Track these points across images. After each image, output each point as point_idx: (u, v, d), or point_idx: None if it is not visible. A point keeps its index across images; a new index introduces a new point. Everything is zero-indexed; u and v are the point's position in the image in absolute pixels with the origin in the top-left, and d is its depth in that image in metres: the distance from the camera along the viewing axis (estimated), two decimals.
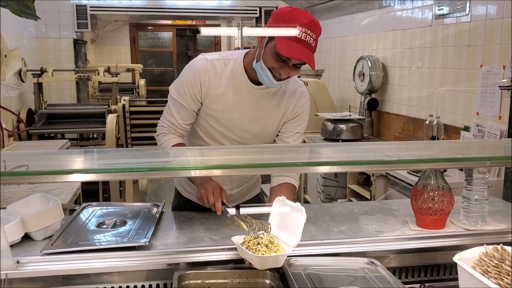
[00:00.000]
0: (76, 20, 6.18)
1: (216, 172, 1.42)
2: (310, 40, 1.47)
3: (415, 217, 1.66)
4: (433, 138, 3.08)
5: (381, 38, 4.28)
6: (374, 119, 4.34)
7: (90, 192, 3.91)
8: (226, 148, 1.70)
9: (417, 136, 3.65)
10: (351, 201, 3.54)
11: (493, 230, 1.61)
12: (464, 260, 1.18)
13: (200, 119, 1.72)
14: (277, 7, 6.10)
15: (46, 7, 5.99)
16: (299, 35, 1.46)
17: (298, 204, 1.37)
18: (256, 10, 6.45)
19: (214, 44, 9.56)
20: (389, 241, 1.53)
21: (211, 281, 1.36)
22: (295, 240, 1.33)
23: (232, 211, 1.47)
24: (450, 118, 3.27)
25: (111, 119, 4.25)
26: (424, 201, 1.59)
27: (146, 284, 1.39)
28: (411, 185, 1.68)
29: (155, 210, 1.75)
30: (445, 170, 2.75)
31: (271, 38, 1.52)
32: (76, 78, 5.43)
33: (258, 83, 1.64)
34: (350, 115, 4.14)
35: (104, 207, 1.78)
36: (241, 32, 7.34)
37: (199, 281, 1.35)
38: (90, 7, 6.21)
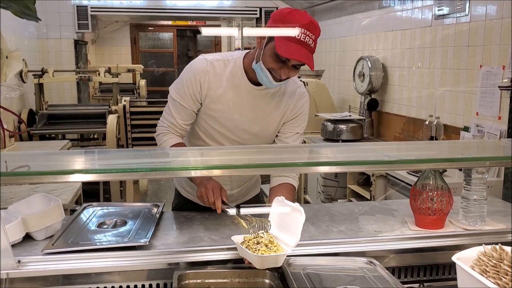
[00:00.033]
0: (77, 20, 6.19)
1: (216, 172, 1.43)
2: (309, 41, 1.48)
3: (414, 217, 1.66)
4: (432, 138, 3.09)
5: (381, 39, 4.28)
6: (374, 120, 4.34)
7: (91, 193, 3.92)
8: (226, 149, 1.71)
9: (417, 137, 3.66)
10: (351, 201, 3.54)
11: (492, 230, 1.61)
12: (463, 259, 1.18)
13: (200, 120, 1.73)
14: (277, 8, 6.12)
15: (47, 8, 6.00)
16: (298, 36, 1.47)
17: (297, 204, 1.37)
18: (256, 10, 6.45)
19: (215, 44, 9.57)
20: (388, 241, 1.54)
21: (211, 280, 1.37)
22: (294, 240, 1.34)
23: (232, 211, 1.48)
24: (450, 118, 3.27)
25: (111, 119, 4.26)
26: (423, 201, 1.60)
27: (146, 284, 1.40)
28: (411, 185, 1.69)
29: (155, 210, 1.76)
30: (445, 171, 2.75)
31: (270, 39, 1.53)
32: (77, 78, 5.44)
33: (257, 83, 1.65)
34: (350, 116, 4.15)
35: (105, 207, 1.79)
36: (242, 33, 7.35)
37: (199, 281, 1.36)
38: (91, 7, 6.22)
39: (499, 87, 2.73)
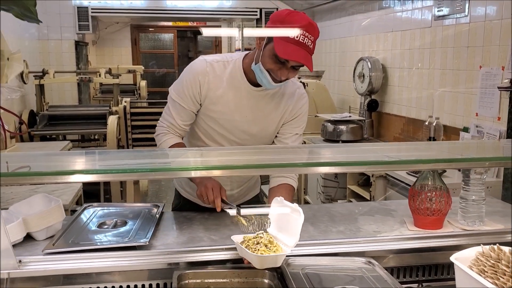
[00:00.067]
0: (78, 21, 6.20)
1: (216, 173, 1.44)
2: (308, 42, 1.49)
3: (413, 218, 1.67)
4: (431, 139, 3.10)
5: (381, 39, 4.29)
6: (374, 120, 4.35)
7: (91, 193, 3.93)
8: (225, 149, 1.72)
9: (417, 137, 3.66)
10: (351, 201, 3.55)
11: (490, 231, 1.62)
12: (461, 260, 1.19)
13: (200, 120, 1.74)
14: (277, 9, 6.13)
15: (48, 9, 6.02)
16: (297, 37, 1.48)
17: (295, 205, 1.38)
18: (256, 11, 6.46)
19: (215, 45, 9.58)
20: (387, 241, 1.55)
21: (210, 280, 1.37)
22: (293, 240, 1.34)
23: (232, 212, 1.49)
24: (449, 119, 3.28)
25: (112, 120, 4.28)
26: (421, 202, 1.61)
27: (146, 284, 1.41)
28: (410, 186, 1.70)
29: (155, 210, 1.77)
30: (444, 171, 2.75)
31: (269, 40, 1.54)
32: (77, 79, 5.46)
33: (257, 84, 1.65)
34: (350, 116, 4.16)
35: (105, 208, 1.80)
36: (242, 33, 7.36)
37: (198, 281, 1.37)
38: (91, 8, 6.23)
39: (498, 87, 2.74)
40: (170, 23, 9.25)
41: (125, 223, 1.63)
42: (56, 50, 6.18)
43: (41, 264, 1.36)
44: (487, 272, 1.16)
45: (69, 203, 2.33)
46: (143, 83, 6.74)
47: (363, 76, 4.28)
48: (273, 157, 1.58)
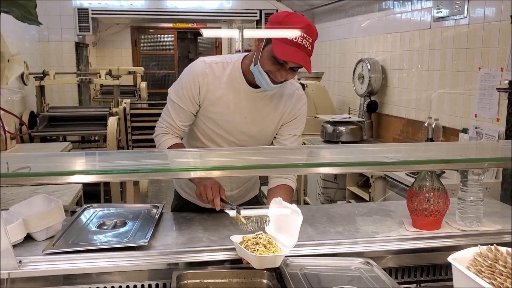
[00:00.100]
0: (78, 23, 6.22)
1: (216, 173, 1.45)
2: (306, 44, 1.50)
3: (411, 218, 1.68)
4: (429, 140, 3.10)
5: (381, 41, 4.30)
6: (374, 121, 4.36)
7: (92, 194, 3.94)
8: (225, 150, 1.73)
9: (416, 138, 3.67)
10: (350, 203, 3.56)
11: (488, 231, 1.62)
12: (459, 260, 1.20)
13: (199, 121, 1.75)
14: (277, 10, 6.14)
15: (48, 11, 6.03)
16: (295, 38, 1.49)
17: (294, 205, 1.39)
18: (256, 13, 6.48)
19: (215, 46, 9.60)
20: (385, 241, 1.55)
21: (209, 280, 1.38)
22: (292, 241, 1.35)
23: (232, 212, 1.50)
24: (448, 120, 3.29)
25: (112, 121, 4.29)
26: (420, 202, 1.61)
27: (146, 284, 1.41)
28: None
29: (154, 211, 1.77)
30: (443, 172, 2.77)
31: (268, 42, 1.55)
32: (77, 81, 5.47)
33: (256, 86, 1.66)
34: (349, 117, 4.17)
35: (105, 208, 1.81)
36: (242, 35, 7.37)
37: (197, 281, 1.37)
38: (92, 10, 6.25)
39: (497, 89, 2.74)
40: (170, 25, 9.27)
41: (124, 224, 1.64)
42: (57, 52, 6.20)
43: (41, 264, 1.37)
44: (484, 272, 1.16)
45: (69, 204, 2.34)
46: (143, 85, 6.75)
47: (363, 77, 4.29)
48: (272, 157, 1.59)
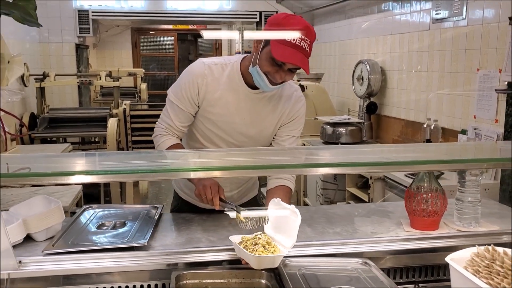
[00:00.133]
0: (78, 25, 6.23)
1: (215, 174, 1.46)
2: (304, 45, 1.51)
3: (409, 219, 1.68)
4: (426, 141, 3.11)
5: (380, 42, 4.31)
6: (373, 123, 4.36)
7: (92, 196, 3.95)
8: (224, 151, 1.73)
9: (415, 140, 3.68)
10: (349, 204, 3.56)
11: (485, 232, 1.63)
12: (456, 260, 1.20)
13: (198, 122, 1.76)
14: (277, 12, 6.15)
15: (49, 12, 6.05)
16: (293, 40, 1.50)
17: (292, 206, 1.40)
18: (256, 14, 6.49)
19: (215, 48, 9.62)
20: (383, 242, 1.56)
21: (208, 281, 1.39)
22: (290, 241, 1.36)
23: (232, 214, 1.50)
24: (447, 121, 3.29)
25: (112, 123, 4.30)
26: (417, 203, 1.62)
27: (145, 284, 1.42)
28: None
29: (154, 212, 1.78)
30: (442, 173, 2.77)
31: (266, 43, 1.56)
32: (78, 82, 5.49)
33: (254, 87, 1.67)
34: (349, 119, 4.17)
35: (104, 209, 1.82)
36: (242, 36, 7.39)
37: (196, 281, 1.38)
38: (92, 12, 6.26)
39: (496, 90, 2.75)
40: (170, 26, 9.29)
41: (124, 224, 1.65)
42: (57, 53, 6.21)
43: (41, 264, 1.38)
44: (481, 272, 1.17)
45: (69, 205, 2.35)
46: (143, 86, 6.77)
47: (362, 78, 4.30)
48: (272, 158, 1.59)
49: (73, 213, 2.26)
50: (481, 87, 2.92)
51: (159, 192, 5.81)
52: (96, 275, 1.39)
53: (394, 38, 4.06)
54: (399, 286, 1.40)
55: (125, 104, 4.43)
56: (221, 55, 8.97)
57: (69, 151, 3.94)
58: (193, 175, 1.45)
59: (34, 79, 5.14)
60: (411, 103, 3.82)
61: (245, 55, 1.73)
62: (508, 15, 2.64)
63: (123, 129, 4.42)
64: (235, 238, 1.42)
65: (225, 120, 1.71)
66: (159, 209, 1.80)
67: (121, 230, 1.60)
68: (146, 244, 1.46)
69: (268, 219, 1.45)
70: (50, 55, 6.18)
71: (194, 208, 1.85)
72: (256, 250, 1.37)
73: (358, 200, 3.54)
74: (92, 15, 6.27)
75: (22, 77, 4.98)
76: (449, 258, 1.21)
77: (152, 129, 1.83)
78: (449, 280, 1.22)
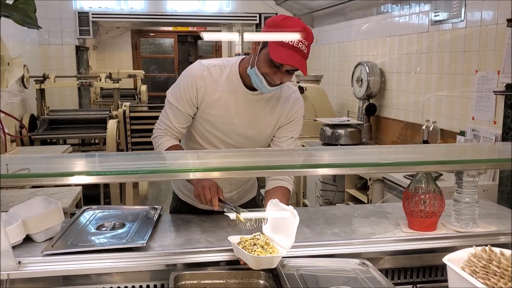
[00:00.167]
0: (78, 27, 6.25)
1: (214, 174, 1.47)
2: (302, 47, 1.52)
3: (407, 220, 1.69)
4: (424, 142, 3.12)
5: (379, 44, 4.32)
6: (373, 124, 4.37)
7: (91, 197, 3.95)
8: (223, 152, 1.74)
9: (414, 141, 3.68)
10: (348, 205, 3.56)
11: (483, 232, 1.64)
12: (454, 261, 1.21)
13: (197, 124, 1.77)
14: (276, 14, 6.17)
15: (49, 14, 6.06)
16: (291, 42, 1.51)
17: (291, 207, 1.40)
18: (255, 16, 6.51)
19: (215, 50, 9.63)
20: (381, 242, 1.56)
21: (207, 281, 1.39)
22: (289, 242, 1.37)
23: (232, 216, 1.51)
24: (446, 123, 3.30)
25: (111, 124, 4.31)
26: (415, 204, 1.63)
27: (144, 285, 1.43)
28: None
29: (153, 213, 1.79)
30: (441, 175, 2.78)
31: (264, 45, 1.57)
32: (78, 84, 5.50)
33: (253, 88, 1.68)
34: (348, 120, 4.18)
35: (103, 210, 1.82)
36: (242, 38, 7.40)
37: (195, 282, 1.39)
38: (92, 14, 6.28)
39: (494, 92, 2.76)
40: (170, 28, 9.31)
41: (123, 225, 1.65)
42: (57, 55, 6.22)
43: (40, 265, 1.39)
44: (478, 272, 1.18)
45: (69, 206, 2.35)
46: (143, 88, 6.78)
47: (361, 80, 4.31)
48: (271, 159, 1.60)
49: (72, 214, 2.26)
50: (479, 89, 2.93)
51: (159, 193, 5.81)
52: (95, 275, 1.40)
53: (393, 40, 4.07)
54: (397, 287, 1.41)
55: (124, 106, 4.44)
56: (221, 57, 8.98)
57: (69, 153, 3.94)
58: (192, 175, 1.46)
59: (34, 80, 5.15)
60: (410, 105, 3.83)
61: (244, 57, 1.74)
62: (506, 17, 2.65)
63: (122, 130, 4.43)
64: (234, 239, 1.43)
65: (223, 121, 1.72)
66: (158, 210, 1.80)
67: (120, 231, 1.61)
68: (145, 244, 1.47)
69: (267, 220, 1.45)
70: (50, 57, 6.20)
71: (193, 209, 1.86)
72: (255, 250, 1.37)
73: (357, 201, 3.54)
74: (92, 17, 6.29)
75: (22, 78, 4.99)
76: (447, 259, 1.22)
77: (151, 130, 1.83)
78: (446, 280, 1.23)
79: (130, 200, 4.21)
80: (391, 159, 1.60)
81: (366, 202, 3.30)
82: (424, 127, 3.16)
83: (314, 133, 4.30)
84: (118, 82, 5.41)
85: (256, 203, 2.04)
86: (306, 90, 4.55)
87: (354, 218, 1.80)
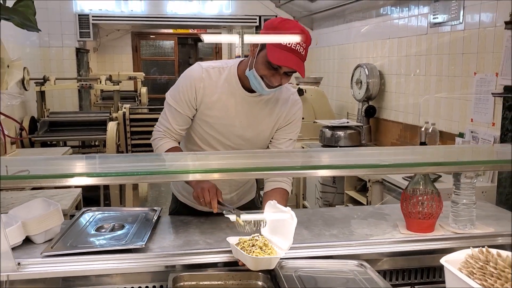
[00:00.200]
0: (79, 29, 6.26)
1: (214, 176, 1.47)
2: (300, 49, 1.53)
3: (405, 221, 1.69)
4: (422, 143, 3.12)
5: (378, 46, 4.33)
6: (372, 126, 4.38)
7: (91, 199, 3.96)
8: (222, 153, 1.75)
9: (413, 143, 3.69)
10: (347, 206, 3.57)
11: (480, 234, 1.64)
12: (451, 262, 1.22)
13: (196, 125, 1.78)
14: (276, 16, 6.18)
15: (49, 17, 6.07)
16: (289, 44, 1.52)
17: (288, 208, 1.41)
18: (255, 19, 6.52)
19: (215, 52, 9.65)
20: (378, 244, 1.57)
21: (206, 282, 1.40)
22: (287, 243, 1.37)
23: (232, 217, 1.51)
24: (445, 124, 3.31)
25: (111, 126, 4.32)
26: (413, 206, 1.63)
27: (143, 286, 1.43)
28: None
29: (152, 214, 1.79)
30: (440, 176, 2.79)
31: (262, 47, 1.58)
32: (78, 86, 5.51)
33: (251, 90, 1.69)
34: (348, 122, 4.19)
35: (103, 212, 1.83)
36: (242, 40, 7.42)
37: (193, 283, 1.39)
38: (92, 16, 6.29)
39: (492, 94, 2.77)
40: (170, 30, 9.33)
41: (122, 227, 1.66)
42: (57, 57, 6.24)
43: (39, 266, 1.39)
44: (475, 274, 1.18)
45: (69, 208, 2.36)
46: (143, 90, 6.79)
47: (361, 82, 4.32)
48: (270, 160, 1.61)
49: (72, 216, 2.27)
50: (478, 91, 2.94)
51: (159, 195, 5.82)
52: (94, 277, 1.41)
53: (392, 42, 4.08)
54: None
55: (124, 108, 4.45)
56: (221, 59, 9.01)
57: (69, 155, 3.95)
58: (191, 177, 1.47)
59: (35, 83, 5.16)
60: (409, 107, 3.84)
61: (242, 59, 1.75)
62: (504, 20, 2.66)
63: (122, 132, 4.44)
64: (233, 239, 1.44)
65: (222, 123, 1.73)
66: (157, 212, 1.81)
67: (119, 232, 1.62)
68: (144, 246, 1.48)
69: (265, 223, 1.46)
70: (50, 59, 6.21)
71: (192, 211, 1.87)
72: (253, 251, 1.38)
73: (357, 203, 3.55)
74: (93, 20, 6.30)
75: (22, 81, 5.00)
76: (444, 260, 1.23)
77: (151, 132, 1.84)
78: (444, 282, 1.23)
79: (130, 202, 4.22)
80: (390, 160, 1.61)
81: (366, 204, 3.30)
82: (423, 129, 3.17)
83: (313, 135, 4.31)
84: (118, 84, 5.42)
85: (255, 205, 2.04)
86: (306, 92, 4.56)
87: (353, 219, 1.80)
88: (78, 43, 6.37)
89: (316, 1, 5.30)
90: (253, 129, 1.75)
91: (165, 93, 1.81)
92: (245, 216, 1.50)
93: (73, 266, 1.40)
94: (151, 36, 9.59)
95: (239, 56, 7.58)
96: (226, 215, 1.53)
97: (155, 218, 1.74)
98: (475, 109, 2.98)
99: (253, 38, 1.59)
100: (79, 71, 6.45)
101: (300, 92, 4.35)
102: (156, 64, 9.67)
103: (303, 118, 1.86)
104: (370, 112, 4.26)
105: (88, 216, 1.77)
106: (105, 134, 4.37)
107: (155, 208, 1.86)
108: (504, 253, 1.20)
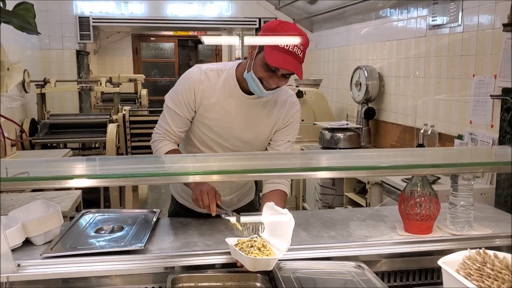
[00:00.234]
0: (79, 31, 6.28)
1: (213, 178, 1.48)
2: (297, 51, 1.54)
3: (403, 223, 1.70)
4: (420, 145, 3.13)
5: (378, 48, 4.35)
6: (371, 128, 4.39)
7: (91, 201, 3.97)
8: (221, 155, 1.76)
9: (413, 145, 3.70)
10: (346, 208, 3.57)
11: (478, 235, 1.65)
12: (448, 263, 1.22)
13: (195, 127, 1.79)
14: (276, 18, 6.20)
15: (49, 19, 6.09)
16: (287, 46, 1.53)
17: (286, 210, 1.42)
18: (255, 21, 6.54)
19: (216, 54, 9.67)
20: (376, 245, 1.58)
21: (204, 284, 1.41)
22: (285, 245, 1.38)
23: (232, 219, 1.52)
24: (444, 126, 3.32)
25: (111, 128, 4.33)
26: (411, 207, 1.64)
27: (142, 287, 1.44)
28: None
29: (152, 216, 1.80)
30: (439, 178, 2.79)
31: (260, 50, 1.59)
32: (78, 88, 5.53)
33: (250, 93, 1.70)
34: (347, 124, 4.20)
35: (102, 214, 1.84)
36: (242, 42, 7.43)
37: (192, 284, 1.40)
38: (93, 18, 6.31)
39: (491, 96, 2.78)
40: (171, 33, 9.34)
41: (121, 229, 1.67)
42: (58, 60, 6.25)
43: (39, 268, 1.40)
44: (473, 275, 1.19)
45: (68, 210, 2.36)
46: (144, 92, 6.80)
47: (360, 84, 4.33)
48: (269, 162, 1.62)
49: (72, 217, 2.28)
50: (476, 93, 2.95)
51: (158, 197, 5.82)
52: (94, 278, 1.41)
53: (391, 44, 4.09)
54: None
55: (124, 110, 4.46)
56: (221, 61, 9.02)
57: (69, 157, 3.96)
58: (191, 178, 1.47)
59: (35, 85, 5.17)
60: (408, 109, 3.84)
61: (241, 61, 1.76)
62: (502, 22, 2.67)
63: (122, 134, 4.45)
64: (231, 240, 1.44)
65: (221, 125, 1.74)
66: (156, 214, 1.82)
67: (118, 234, 1.62)
68: (143, 247, 1.48)
69: (264, 227, 1.47)
70: (51, 62, 6.22)
71: (191, 213, 1.87)
72: (252, 252, 1.39)
73: (356, 205, 3.55)
74: (93, 22, 6.31)
75: (23, 83, 5.01)
76: (441, 261, 1.23)
77: (151, 134, 1.85)
78: (442, 283, 1.24)
79: (130, 204, 4.23)
80: (389, 162, 1.61)
81: (365, 205, 3.31)
82: (422, 131, 3.17)
83: (313, 137, 4.32)
84: (118, 87, 5.43)
85: (254, 207, 2.05)
86: (305, 94, 4.57)
87: (351, 221, 1.81)
88: (78, 45, 6.39)
89: (316, 3, 5.31)
90: (251, 131, 1.76)
91: (165, 95, 1.82)
92: (244, 219, 1.50)
93: (72, 267, 1.41)
94: (151, 38, 9.60)
95: (239, 58, 7.59)
96: (225, 217, 1.54)
97: (154, 220, 1.75)
98: (473, 111, 2.99)
99: (252, 40, 1.59)
100: (80, 73, 6.46)
101: (300, 94, 4.36)
102: (157, 66, 9.69)
103: (302, 120, 1.87)
104: (369, 114, 4.27)
105: (88, 218, 1.78)
106: (105, 136, 4.38)
107: (154, 210, 1.87)
108: (501, 254, 1.21)
